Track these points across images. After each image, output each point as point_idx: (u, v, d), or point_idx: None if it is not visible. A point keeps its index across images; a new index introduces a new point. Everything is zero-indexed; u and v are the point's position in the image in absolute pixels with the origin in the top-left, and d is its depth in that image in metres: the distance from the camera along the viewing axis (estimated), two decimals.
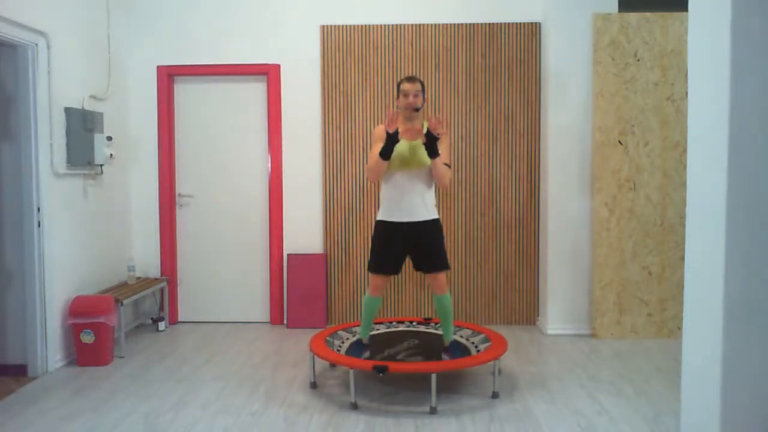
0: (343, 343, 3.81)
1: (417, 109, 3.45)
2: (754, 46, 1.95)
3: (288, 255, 4.95)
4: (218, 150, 5.05)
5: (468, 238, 4.93)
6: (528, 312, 4.95)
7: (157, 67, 4.95)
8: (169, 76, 4.98)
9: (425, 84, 3.97)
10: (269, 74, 4.93)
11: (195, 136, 5.07)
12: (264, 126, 5.03)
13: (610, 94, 4.48)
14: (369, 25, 4.87)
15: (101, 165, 4.39)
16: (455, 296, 4.89)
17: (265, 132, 5.02)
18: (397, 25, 4.87)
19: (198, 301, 5.11)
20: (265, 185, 5.05)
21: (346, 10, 4.90)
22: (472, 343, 3.79)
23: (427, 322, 4.22)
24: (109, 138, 4.37)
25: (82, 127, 4.15)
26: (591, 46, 4.52)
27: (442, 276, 3.51)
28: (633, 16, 4.45)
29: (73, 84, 4.16)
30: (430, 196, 3.50)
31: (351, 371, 3.29)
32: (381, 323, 4.20)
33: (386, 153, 3.31)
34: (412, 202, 3.43)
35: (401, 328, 4.17)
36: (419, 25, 4.87)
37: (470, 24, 4.86)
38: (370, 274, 3.58)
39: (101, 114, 4.43)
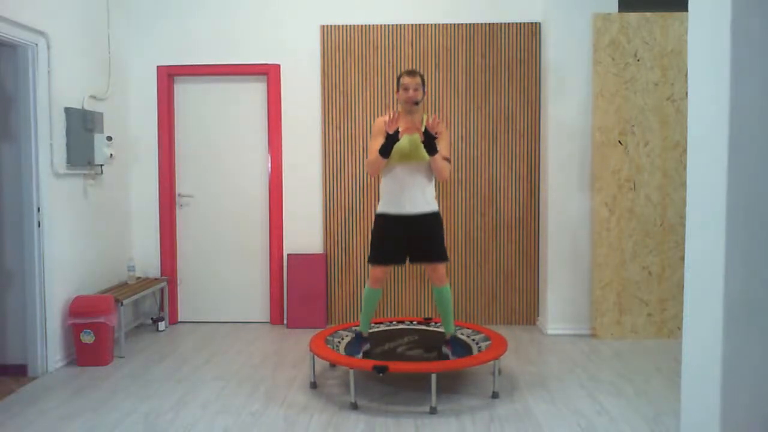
0: (342, 339, 3.81)
1: (417, 103, 3.47)
2: (754, 46, 1.95)
3: (288, 255, 4.95)
4: (218, 150, 5.05)
5: (468, 238, 4.93)
6: (528, 312, 4.95)
7: (157, 67, 4.96)
8: (169, 76, 4.98)
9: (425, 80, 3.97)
10: (269, 74, 4.94)
11: (195, 136, 5.07)
12: (264, 126, 5.03)
13: (610, 94, 4.48)
14: (369, 25, 4.87)
15: (101, 165, 4.39)
16: (455, 296, 4.87)
17: (265, 132, 5.02)
18: (397, 25, 4.87)
19: (198, 301, 5.11)
20: (265, 185, 5.05)
21: (346, 10, 4.90)
22: (473, 340, 3.79)
23: (427, 321, 4.22)
24: (109, 138, 4.37)
25: (82, 127, 4.15)
26: (591, 46, 4.52)
27: (441, 267, 3.53)
28: (633, 16, 4.45)
29: (73, 84, 4.16)
30: (430, 189, 3.52)
31: (351, 371, 3.29)
32: (381, 323, 4.20)
33: (386, 152, 3.33)
34: (413, 195, 3.45)
35: (401, 327, 4.16)
36: (419, 25, 4.87)
37: (470, 24, 4.86)
38: (370, 266, 3.59)
39: (101, 114, 4.43)
